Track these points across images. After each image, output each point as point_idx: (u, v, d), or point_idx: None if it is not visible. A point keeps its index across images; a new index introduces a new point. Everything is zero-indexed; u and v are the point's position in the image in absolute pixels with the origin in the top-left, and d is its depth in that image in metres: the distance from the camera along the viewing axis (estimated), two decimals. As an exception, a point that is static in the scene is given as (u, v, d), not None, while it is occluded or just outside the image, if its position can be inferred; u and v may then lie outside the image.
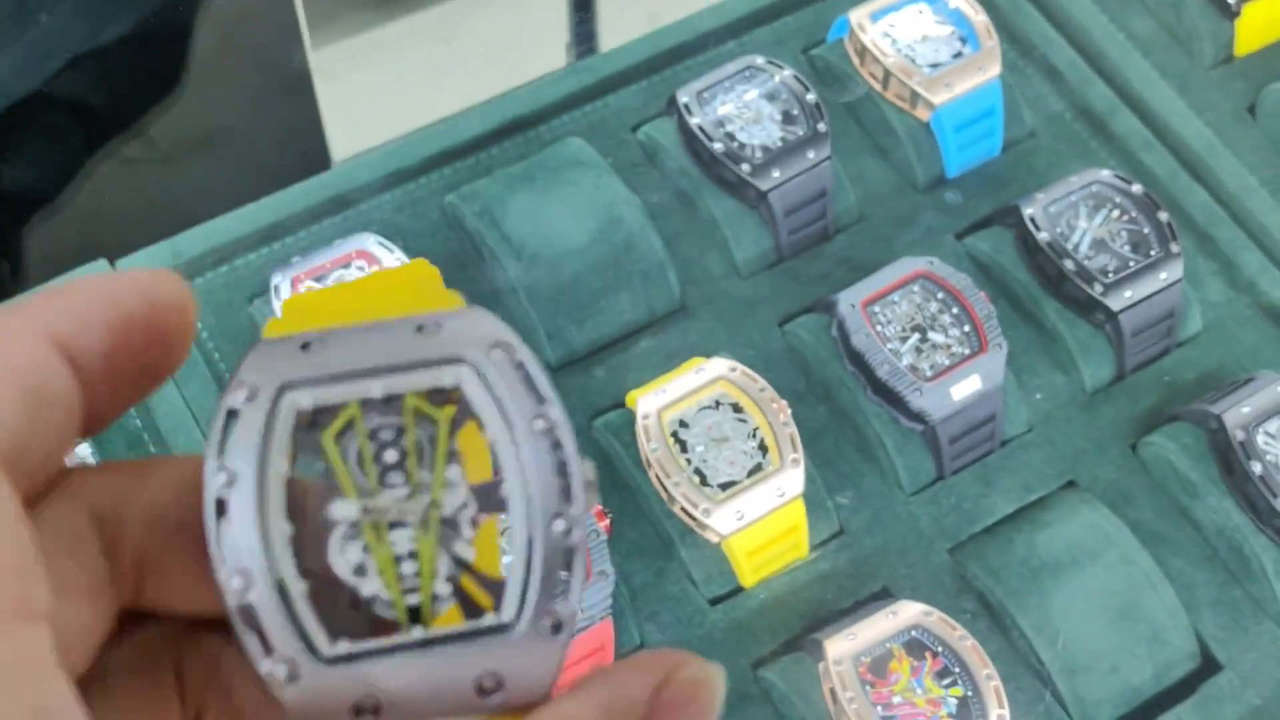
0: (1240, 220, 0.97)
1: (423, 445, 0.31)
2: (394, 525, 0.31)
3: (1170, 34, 1.04)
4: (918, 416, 0.86)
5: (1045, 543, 0.85)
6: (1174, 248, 0.91)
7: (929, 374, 0.86)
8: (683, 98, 0.95)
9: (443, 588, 0.30)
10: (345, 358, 0.31)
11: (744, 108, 0.95)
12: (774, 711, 0.80)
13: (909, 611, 0.80)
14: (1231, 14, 1.03)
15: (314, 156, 1.04)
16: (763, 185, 0.92)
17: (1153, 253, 0.91)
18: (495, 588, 0.31)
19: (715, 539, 0.82)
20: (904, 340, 0.87)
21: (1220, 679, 0.83)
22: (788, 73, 0.96)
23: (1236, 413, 0.86)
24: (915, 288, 0.89)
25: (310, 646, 0.29)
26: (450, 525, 0.31)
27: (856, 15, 0.99)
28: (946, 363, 0.87)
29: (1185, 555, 0.86)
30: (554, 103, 0.99)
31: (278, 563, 0.29)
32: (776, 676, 0.80)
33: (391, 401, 0.31)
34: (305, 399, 0.30)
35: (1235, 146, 1.00)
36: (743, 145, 0.93)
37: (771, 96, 0.95)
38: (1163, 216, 0.92)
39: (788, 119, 0.94)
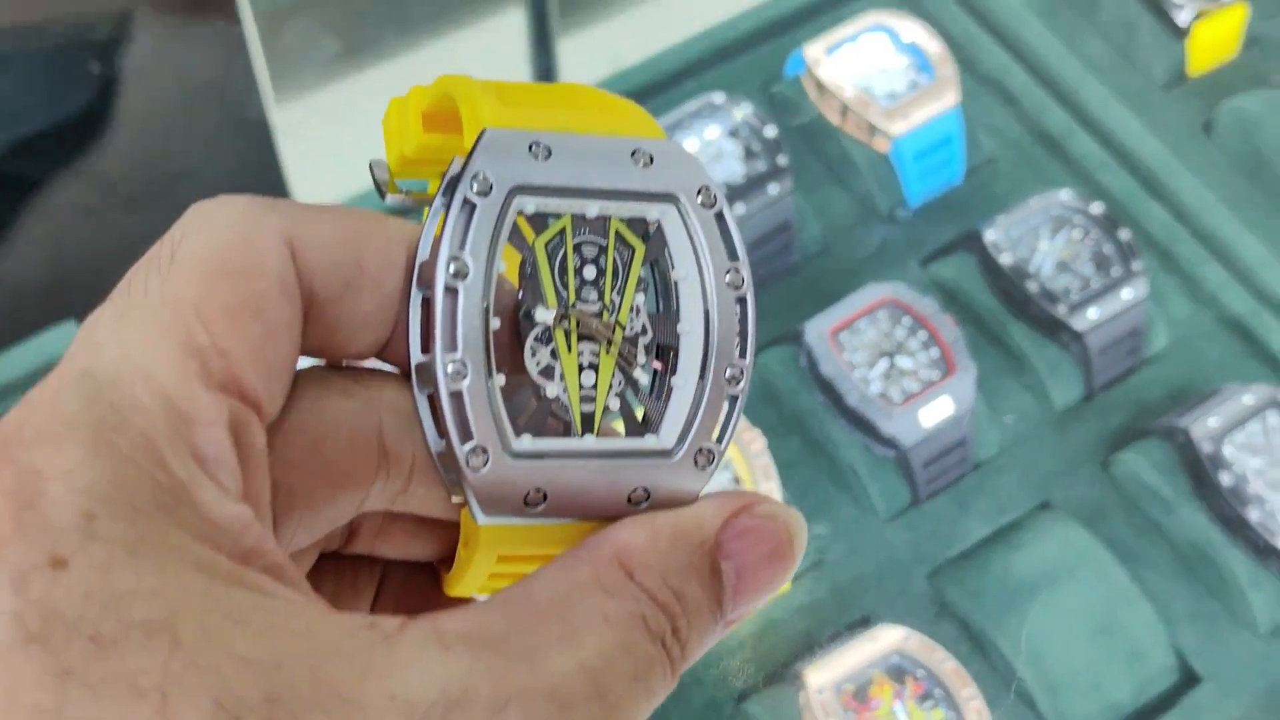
0: (1201, 236, 0.98)
1: (618, 268, 0.33)
2: (582, 337, 0.33)
3: (1123, 55, 1.06)
4: (889, 443, 0.87)
5: (1022, 563, 0.85)
6: (1136, 266, 0.92)
7: (898, 400, 0.87)
8: (644, 138, 0.96)
9: (613, 402, 0.33)
10: (570, 172, 0.32)
11: (705, 145, 0.96)
12: (758, 743, 0.80)
13: (889, 636, 0.80)
14: (1181, 34, 1.04)
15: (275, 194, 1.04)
16: (726, 221, 0.92)
17: (1115, 272, 0.92)
18: (657, 411, 0.33)
19: (693, 573, 0.82)
20: (872, 367, 0.88)
21: (1200, 691, 0.83)
22: (747, 109, 0.97)
23: (1203, 425, 0.86)
24: (881, 314, 0.90)
25: (502, 438, 0.31)
26: (629, 347, 0.33)
27: (812, 50, 1.00)
28: (916, 388, 0.87)
29: (1160, 570, 0.87)
30: (517, 148, 1.00)
31: (489, 356, 0.31)
32: (759, 709, 0.80)
33: (600, 221, 0.33)
34: (530, 205, 0.32)
35: (1192, 164, 1.01)
36: (705, 182, 0.94)
37: (732, 133, 0.96)
38: (1123, 235, 0.93)
39: (749, 155, 0.95)
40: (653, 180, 0.33)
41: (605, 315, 0.33)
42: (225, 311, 0.29)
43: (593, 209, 0.33)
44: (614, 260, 0.33)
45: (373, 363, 0.34)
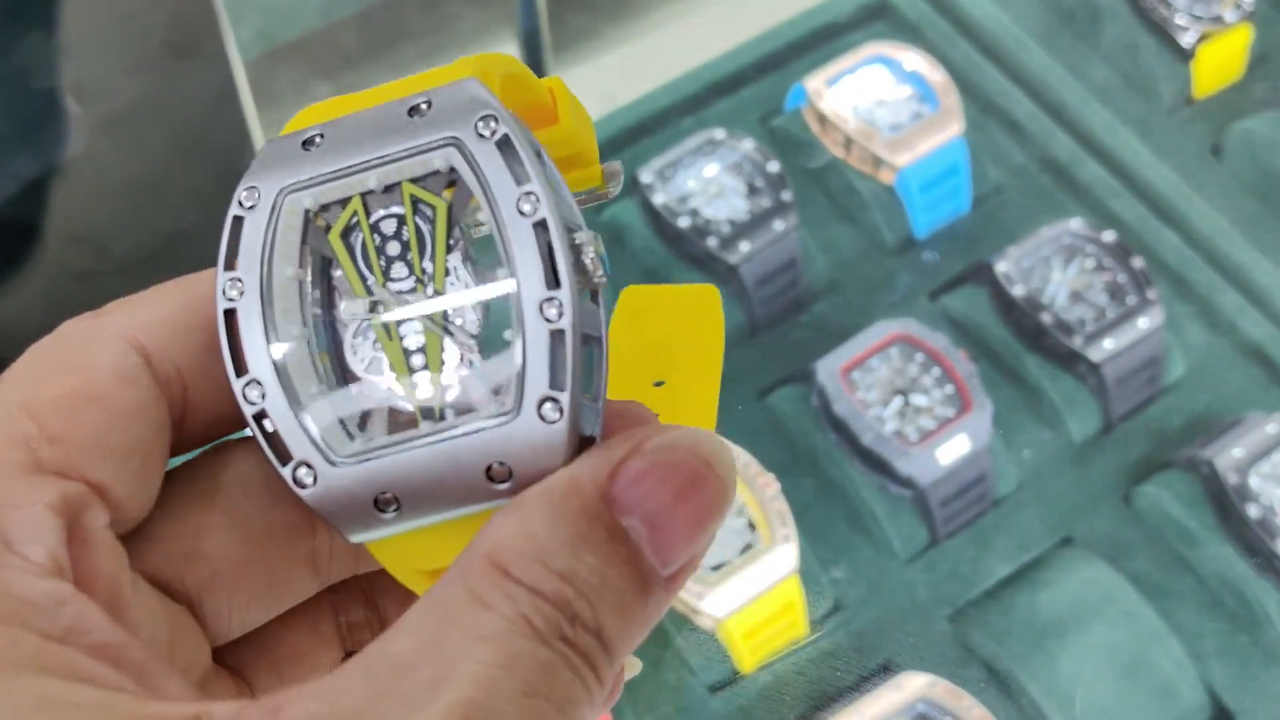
0: (1214, 261, 0.96)
1: (423, 234, 0.30)
2: (401, 320, 0.30)
3: (1128, 80, 1.04)
4: (906, 482, 0.84)
5: (1046, 603, 0.83)
6: (1150, 294, 0.91)
7: (914, 438, 0.85)
8: (644, 177, 0.95)
9: (450, 378, 0.30)
10: (340, 153, 0.30)
11: (707, 182, 0.94)
12: (783, 797, 0.78)
13: (914, 684, 0.78)
14: (1187, 56, 1.03)
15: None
16: (731, 259, 0.91)
17: (1129, 300, 0.91)
18: (499, 372, 0.30)
19: (710, 624, 0.80)
20: (886, 405, 0.86)
21: (1235, 729, 0.81)
22: (749, 144, 0.95)
23: (1227, 456, 0.84)
24: (893, 351, 0.88)
25: (324, 449, 0.29)
26: (455, 315, 0.30)
27: (813, 82, 0.98)
28: (931, 425, 0.85)
29: (1189, 606, 0.84)
30: (515, 190, 0.98)
31: (288, 367, 0.30)
32: (783, 761, 0.78)
33: (391, 190, 0.30)
34: (307, 199, 0.30)
35: (1202, 188, 0.99)
36: (709, 220, 0.92)
37: (734, 169, 0.94)
38: (1136, 263, 0.92)
39: (752, 191, 0.93)
40: (428, 129, 0.30)
41: (421, 288, 0.30)
42: (54, 403, 0.29)
43: (373, 180, 0.30)
44: (415, 227, 0.30)
45: None
